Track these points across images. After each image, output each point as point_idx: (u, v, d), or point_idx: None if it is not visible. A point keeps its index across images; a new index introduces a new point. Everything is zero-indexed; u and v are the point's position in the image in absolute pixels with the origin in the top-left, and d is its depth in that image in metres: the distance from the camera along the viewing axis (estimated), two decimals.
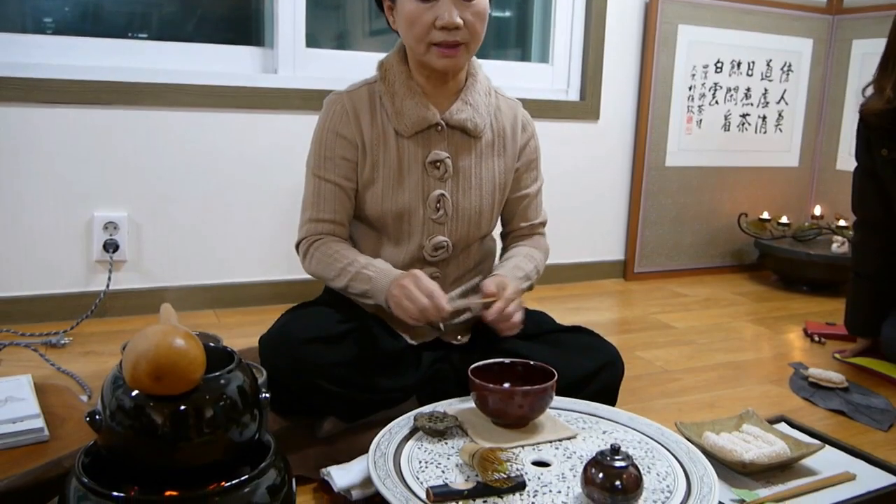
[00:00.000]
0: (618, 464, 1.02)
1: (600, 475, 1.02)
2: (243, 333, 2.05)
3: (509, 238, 1.67)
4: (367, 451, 1.19)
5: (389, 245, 1.51)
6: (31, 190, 2.10)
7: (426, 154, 1.47)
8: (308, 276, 1.54)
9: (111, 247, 2.18)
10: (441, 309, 1.31)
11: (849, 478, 1.32)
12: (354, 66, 2.36)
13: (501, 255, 1.66)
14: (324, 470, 1.28)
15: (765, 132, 3.15)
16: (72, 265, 2.19)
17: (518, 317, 1.40)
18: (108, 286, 2.18)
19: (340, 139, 1.46)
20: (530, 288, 1.57)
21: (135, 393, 0.91)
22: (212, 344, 1.04)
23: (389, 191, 1.47)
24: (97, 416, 0.93)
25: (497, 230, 1.66)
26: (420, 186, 1.47)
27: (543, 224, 1.67)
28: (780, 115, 3.17)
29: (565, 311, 2.47)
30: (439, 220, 1.49)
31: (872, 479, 1.32)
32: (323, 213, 1.48)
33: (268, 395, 1.01)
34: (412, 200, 1.47)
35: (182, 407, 0.91)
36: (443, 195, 1.48)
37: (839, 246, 2.84)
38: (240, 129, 2.29)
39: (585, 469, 1.05)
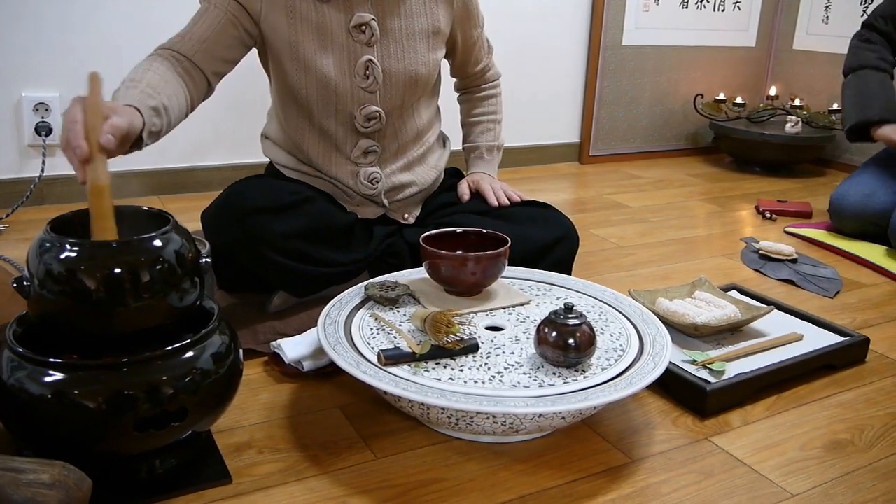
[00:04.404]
0: (571, 322, 1.01)
1: (553, 333, 1.01)
2: (190, 219, 1.97)
3: (466, 81, 1.65)
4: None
5: (320, 118, 1.42)
6: None
7: (349, 18, 1.36)
8: (255, 160, 1.47)
9: (43, 130, 2.06)
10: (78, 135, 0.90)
11: (796, 338, 1.34)
12: None
13: (463, 113, 1.67)
14: (274, 343, 1.25)
15: (723, 10, 3.08)
16: (2, 150, 2.07)
17: (504, 195, 1.55)
18: (42, 171, 2.07)
19: None
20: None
21: (64, 256, 0.85)
22: (146, 207, 0.99)
23: (312, 60, 1.36)
24: (25, 283, 0.88)
25: (445, 100, 1.60)
26: (345, 53, 1.37)
27: (491, 52, 1.65)
28: None
29: None
30: (369, 88, 1.39)
31: (819, 339, 1.34)
32: (189, 42, 1.28)
33: (209, 259, 0.97)
34: (338, 69, 1.37)
35: (116, 270, 0.86)
36: (370, 61, 1.38)
37: (793, 126, 2.83)
38: (179, 3, 2.15)
39: (539, 328, 1.03)
